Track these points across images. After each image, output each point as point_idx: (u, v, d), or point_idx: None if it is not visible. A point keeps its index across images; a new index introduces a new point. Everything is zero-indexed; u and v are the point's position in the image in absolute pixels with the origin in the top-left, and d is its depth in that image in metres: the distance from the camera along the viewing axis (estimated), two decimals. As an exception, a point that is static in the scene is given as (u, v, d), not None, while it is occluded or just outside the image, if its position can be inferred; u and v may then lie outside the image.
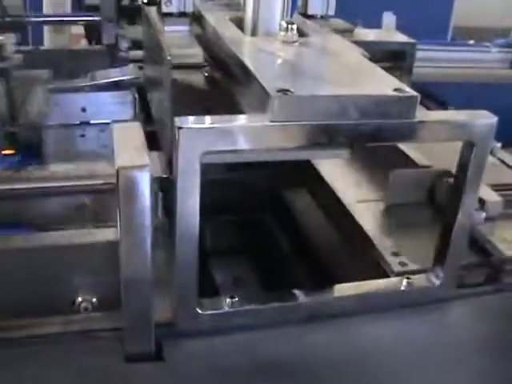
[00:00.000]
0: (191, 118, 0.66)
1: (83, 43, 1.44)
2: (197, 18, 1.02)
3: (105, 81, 1.19)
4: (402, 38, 1.42)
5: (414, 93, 0.71)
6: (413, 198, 1.03)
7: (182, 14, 0.98)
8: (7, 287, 0.74)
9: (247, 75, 0.75)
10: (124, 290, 0.69)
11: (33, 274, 0.74)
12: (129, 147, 0.67)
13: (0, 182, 0.70)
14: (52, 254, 0.73)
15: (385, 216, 1.01)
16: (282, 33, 0.84)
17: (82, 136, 1.18)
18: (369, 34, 1.41)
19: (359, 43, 1.02)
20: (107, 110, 1.22)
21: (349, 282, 0.90)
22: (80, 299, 0.75)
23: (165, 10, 0.97)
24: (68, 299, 0.75)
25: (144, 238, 0.66)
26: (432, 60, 1.64)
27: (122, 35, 1.31)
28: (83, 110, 1.19)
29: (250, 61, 0.77)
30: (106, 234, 0.75)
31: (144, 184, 0.63)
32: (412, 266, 0.87)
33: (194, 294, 0.74)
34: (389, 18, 1.96)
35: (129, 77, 1.21)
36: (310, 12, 1.04)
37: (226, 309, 0.76)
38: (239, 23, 0.95)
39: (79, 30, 1.51)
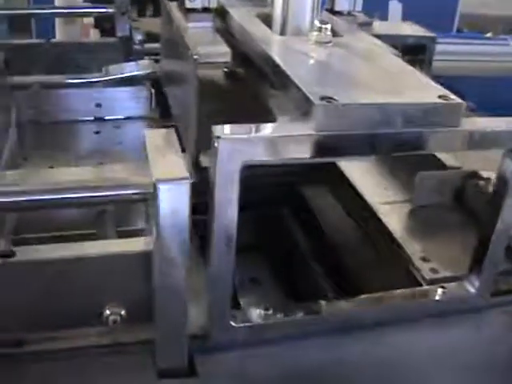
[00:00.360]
0: (230, 127, 0.63)
1: (92, 33, 1.40)
2: (220, 14, 0.98)
3: (120, 76, 1.16)
4: (420, 31, 1.39)
5: (459, 100, 0.68)
6: (440, 200, 1.00)
7: (206, 10, 0.95)
8: (32, 299, 0.71)
9: (283, 78, 0.72)
10: (158, 301, 0.66)
11: (59, 286, 0.71)
12: (165, 156, 0.64)
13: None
14: (80, 264, 0.70)
15: (411, 218, 0.99)
16: (315, 33, 0.81)
17: (97, 133, 1.14)
18: (388, 27, 1.37)
19: (379, 37, 0.99)
20: (122, 105, 1.18)
21: (374, 286, 0.88)
22: (108, 312, 0.72)
23: (188, 5, 0.93)
24: (95, 311, 0.72)
25: (181, 250, 0.63)
26: (449, 53, 1.61)
27: (135, 27, 1.27)
28: (98, 105, 1.15)
29: (285, 63, 0.74)
30: (136, 245, 0.72)
31: (184, 197, 0.60)
32: (443, 273, 0.85)
33: (227, 306, 0.71)
34: (395, 7, 1.93)
35: (145, 71, 1.17)
36: (337, 8, 1.01)
37: (260, 321, 0.74)
38: (266, 20, 0.91)
39: (89, 19, 1.47)
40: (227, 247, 0.67)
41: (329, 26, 0.81)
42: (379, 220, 0.98)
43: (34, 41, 1.27)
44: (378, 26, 1.37)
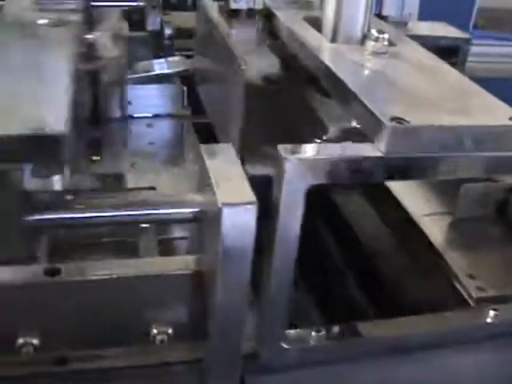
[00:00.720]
0: (296, 148, 0.60)
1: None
2: (265, 15, 0.95)
3: (151, 73, 1.12)
4: (454, 32, 1.36)
5: (530, 122, 0.65)
6: (483, 212, 0.98)
7: (250, 14, 0.91)
8: (77, 316, 0.68)
9: (345, 93, 0.70)
10: (217, 321, 0.64)
11: (105, 303, 0.68)
12: (227, 176, 0.61)
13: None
14: (127, 283, 0.68)
15: (453, 231, 0.97)
16: (372, 42, 0.78)
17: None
18: (422, 28, 1.34)
19: (414, 37, 0.96)
20: (152, 102, 1.15)
21: (412, 298, 0.86)
22: (155, 331, 0.70)
23: (233, 5, 0.90)
24: (142, 330, 0.70)
25: (244, 271, 0.61)
26: (482, 55, 1.58)
27: (166, 22, 1.23)
28: (128, 103, 1.12)
29: (345, 76, 0.71)
30: (184, 264, 0.69)
31: (251, 221, 0.58)
32: (491, 292, 0.83)
33: (281, 327, 0.69)
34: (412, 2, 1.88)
35: (177, 69, 1.13)
36: (384, 13, 0.98)
37: (312, 343, 0.72)
38: (315, 24, 0.88)
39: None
40: (287, 269, 0.64)
41: (386, 36, 0.78)
42: (420, 231, 0.96)
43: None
44: (411, 26, 1.34)
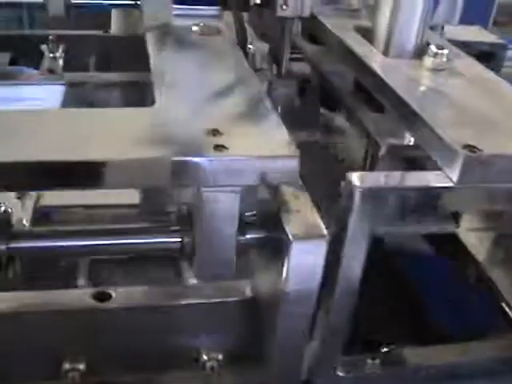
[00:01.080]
0: (365, 176, 0.58)
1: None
2: (312, 24, 0.92)
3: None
4: (490, 37, 1.33)
5: None
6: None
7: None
8: (127, 342, 0.66)
9: (406, 113, 0.67)
10: (277, 349, 0.62)
11: (156, 329, 0.66)
12: (296, 207, 0.58)
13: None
14: (178, 311, 0.66)
15: (497, 248, 0.94)
16: (431, 58, 0.75)
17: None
18: (458, 32, 1.31)
19: (454, 43, 0.93)
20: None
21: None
22: (205, 357, 0.68)
23: (280, 13, 0.87)
24: (192, 356, 0.68)
25: (308, 301, 0.59)
26: None
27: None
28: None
29: (404, 93, 0.69)
30: (236, 290, 0.67)
31: (320, 255, 0.55)
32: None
33: (337, 355, 0.67)
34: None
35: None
36: (435, 20, 0.95)
37: (367, 370, 0.70)
38: (365, 35, 0.85)
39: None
40: (349, 300, 0.62)
41: (446, 52, 0.75)
42: (466, 249, 0.93)
43: (90, 32, 1.18)
44: (447, 30, 1.31)
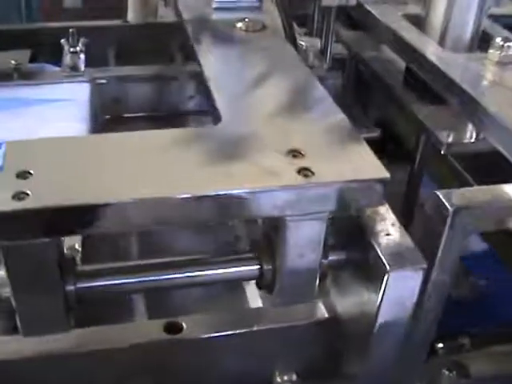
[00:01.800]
0: (454, 193, 0.54)
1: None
2: (359, 12, 0.87)
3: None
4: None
5: None
6: None
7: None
8: (198, 368, 0.63)
9: (476, 111, 0.64)
10: (366, 369, 0.59)
11: (228, 356, 0.64)
12: (383, 228, 0.55)
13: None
14: (251, 338, 0.63)
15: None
16: (497, 52, 0.71)
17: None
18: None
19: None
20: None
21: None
22: (279, 379, 0.65)
23: (325, 2, 0.82)
24: (265, 379, 0.65)
25: (402, 325, 0.55)
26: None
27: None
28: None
29: (473, 90, 0.65)
30: (309, 312, 0.64)
31: (416, 285, 0.52)
32: None
33: (417, 373, 0.65)
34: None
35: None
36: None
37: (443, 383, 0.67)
38: (416, 24, 0.81)
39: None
40: (427, 329, 0.60)
41: (512, 44, 0.71)
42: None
43: (110, 22, 1.12)
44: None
